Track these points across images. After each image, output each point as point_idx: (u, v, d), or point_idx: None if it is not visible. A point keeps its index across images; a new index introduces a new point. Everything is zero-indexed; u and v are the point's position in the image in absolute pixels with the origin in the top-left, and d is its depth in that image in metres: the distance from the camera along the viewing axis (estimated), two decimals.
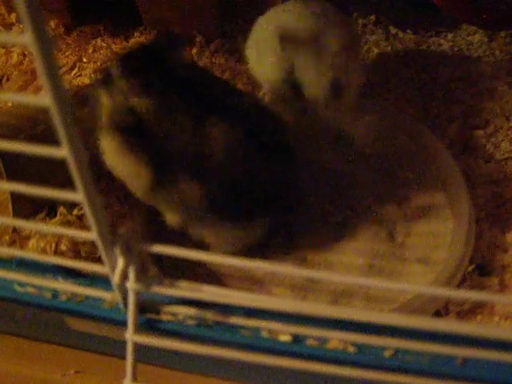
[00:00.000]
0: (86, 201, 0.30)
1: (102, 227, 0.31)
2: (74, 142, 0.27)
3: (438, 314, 0.55)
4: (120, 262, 0.33)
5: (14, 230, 0.59)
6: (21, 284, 0.41)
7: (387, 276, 0.58)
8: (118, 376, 0.38)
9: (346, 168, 0.68)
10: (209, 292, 0.35)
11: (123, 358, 0.37)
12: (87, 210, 0.30)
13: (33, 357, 0.56)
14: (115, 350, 0.52)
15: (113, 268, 0.33)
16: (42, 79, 0.24)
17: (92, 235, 0.32)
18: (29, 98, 0.26)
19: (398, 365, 0.36)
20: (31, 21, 0.23)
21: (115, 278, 0.33)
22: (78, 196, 0.30)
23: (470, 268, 0.58)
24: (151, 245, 0.32)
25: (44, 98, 0.25)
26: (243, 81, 0.83)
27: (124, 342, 0.36)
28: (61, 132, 0.27)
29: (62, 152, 0.28)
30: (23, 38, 0.23)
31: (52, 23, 0.92)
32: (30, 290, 0.40)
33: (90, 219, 0.31)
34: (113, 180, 0.66)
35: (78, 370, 0.55)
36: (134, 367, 0.35)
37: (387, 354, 0.36)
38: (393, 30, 0.91)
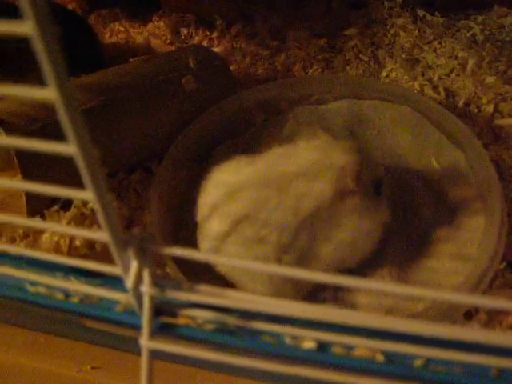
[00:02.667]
0: (97, 200, 0.28)
1: (114, 227, 0.29)
2: (81, 138, 0.25)
3: (468, 312, 0.53)
4: (134, 265, 0.30)
5: None
6: (32, 284, 0.39)
7: (420, 273, 0.56)
8: (134, 373, 0.36)
9: None
10: (232, 297, 0.33)
11: (140, 354, 0.35)
12: (98, 210, 0.28)
13: (49, 351, 0.55)
14: (133, 347, 0.51)
15: (126, 269, 0.31)
16: (45, 69, 0.22)
17: (103, 236, 0.30)
18: (31, 91, 0.24)
19: (430, 376, 0.33)
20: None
21: (129, 283, 0.31)
22: (88, 194, 0.28)
23: (502, 265, 0.55)
24: (166, 247, 0.30)
25: (47, 91, 0.23)
26: (264, 66, 0.80)
27: None
28: (67, 127, 0.24)
29: (70, 149, 0.26)
30: (24, 26, 0.21)
31: (69, 7, 0.90)
32: (41, 290, 0.38)
33: (101, 219, 0.28)
34: (130, 173, 0.65)
35: (94, 366, 0.54)
36: (150, 375, 0.33)
37: (418, 363, 0.34)
38: (420, 13, 0.87)
